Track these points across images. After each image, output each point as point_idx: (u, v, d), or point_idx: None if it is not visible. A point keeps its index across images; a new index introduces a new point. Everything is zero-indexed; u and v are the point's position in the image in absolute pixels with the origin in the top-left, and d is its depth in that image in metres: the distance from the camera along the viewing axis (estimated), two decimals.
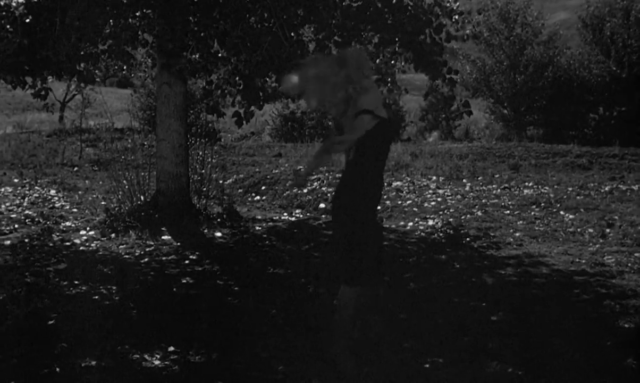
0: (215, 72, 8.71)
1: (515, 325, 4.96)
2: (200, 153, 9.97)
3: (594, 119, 25.62)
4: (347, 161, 4.07)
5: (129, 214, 8.39)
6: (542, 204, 10.09)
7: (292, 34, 7.50)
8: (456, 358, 4.29)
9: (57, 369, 4.08)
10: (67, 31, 7.02)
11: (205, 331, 4.76)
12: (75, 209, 9.70)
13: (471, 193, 11.33)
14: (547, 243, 7.80)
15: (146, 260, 6.85)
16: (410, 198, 10.95)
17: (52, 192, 11.37)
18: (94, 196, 10.87)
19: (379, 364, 4.12)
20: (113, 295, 5.64)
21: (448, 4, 8.30)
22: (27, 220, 8.71)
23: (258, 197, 11.08)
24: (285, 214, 9.77)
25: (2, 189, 11.51)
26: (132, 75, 17.14)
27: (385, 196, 11.06)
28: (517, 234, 8.24)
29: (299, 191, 11.35)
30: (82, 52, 7.62)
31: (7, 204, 10.06)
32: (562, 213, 9.51)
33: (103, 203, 9.87)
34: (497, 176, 13.49)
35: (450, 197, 10.97)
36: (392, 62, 9.04)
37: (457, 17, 8.31)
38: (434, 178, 13.18)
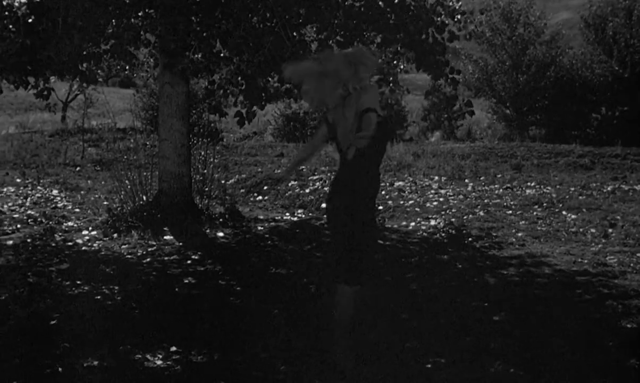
0: (217, 72, 8.72)
1: (517, 325, 4.95)
2: (203, 153, 9.97)
3: (596, 119, 25.58)
4: (342, 160, 4.05)
5: (131, 214, 8.40)
6: (545, 204, 10.08)
7: (295, 33, 7.50)
8: (458, 358, 4.28)
9: (59, 369, 4.08)
10: (70, 31, 7.02)
11: (207, 331, 4.76)
12: (77, 209, 9.71)
13: (473, 193, 11.33)
14: (549, 243, 7.79)
15: (148, 260, 6.86)
16: (412, 198, 10.95)
17: (55, 192, 11.38)
18: (97, 196, 10.88)
19: (380, 364, 4.12)
20: (115, 295, 5.64)
21: (450, 4, 8.30)
22: (29, 220, 8.72)
23: (260, 197, 11.08)
24: (287, 214, 9.77)
25: (5, 189, 11.52)
26: (135, 75, 17.15)
27: (387, 196, 11.06)
28: (520, 234, 8.24)
29: (301, 191, 11.35)
30: (84, 52, 7.63)
31: (10, 204, 10.07)
32: (564, 213, 9.50)
33: (105, 203, 9.88)
34: (499, 176, 13.49)
35: (452, 197, 10.97)
36: (395, 62, 9.04)
37: (459, 16, 8.31)
38: (436, 177, 13.19)
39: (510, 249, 7.54)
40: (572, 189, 11.57)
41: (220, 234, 8.10)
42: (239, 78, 8.16)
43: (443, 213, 9.64)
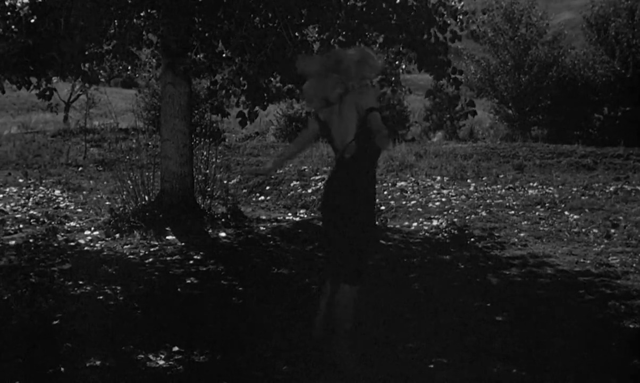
0: (219, 72, 8.73)
1: (519, 325, 4.95)
2: (205, 153, 9.98)
3: (598, 119, 25.53)
4: (339, 159, 4.05)
5: (134, 214, 8.41)
6: (547, 205, 10.07)
7: (297, 34, 7.51)
8: (460, 359, 4.28)
9: (62, 369, 4.08)
10: (72, 31, 7.03)
11: (209, 331, 4.76)
12: (79, 210, 9.72)
13: (475, 193, 11.33)
14: (551, 243, 7.79)
15: (150, 260, 6.86)
16: (414, 198, 10.95)
17: (57, 192, 11.39)
18: (99, 196, 10.89)
19: (381, 364, 4.12)
20: (117, 295, 5.65)
21: (453, 4, 8.30)
22: (31, 220, 8.73)
23: (262, 197, 11.09)
24: (289, 214, 9.78)
25: (7, 189, 11.54)
26: (137, 75, 17.14)
27: (389, 196, 11.06)
28: (522, 234, 8.23)
29: (303, 191, 11.35)
30: (86, 53, 7.64)
31: (12, 204, 10.08)
32: (566, 213, 9.49)
33: (107, 203, 9.89)
34: (501, 176, 13.47)
35: (454, 197, 10.96)
36: (397, 62, 9.04)
37: (461, 17, 8.31)
38: (439, 178, 13.18)
39: (512, 249, 7.53)
40: (575, 189, 11.56)
41: (223, 234, 8.10)
42: (241, 78, 8.17)
43: (445, 213, 9.64)
